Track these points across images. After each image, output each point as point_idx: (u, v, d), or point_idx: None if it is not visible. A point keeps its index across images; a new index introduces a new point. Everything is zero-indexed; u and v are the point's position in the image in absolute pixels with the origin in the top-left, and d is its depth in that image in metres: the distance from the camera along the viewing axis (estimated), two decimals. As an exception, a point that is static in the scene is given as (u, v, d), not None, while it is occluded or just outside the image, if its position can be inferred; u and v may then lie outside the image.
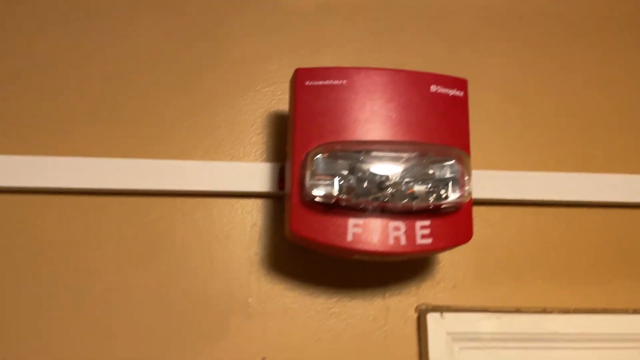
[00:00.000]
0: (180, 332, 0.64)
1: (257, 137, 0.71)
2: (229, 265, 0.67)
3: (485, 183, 0.71)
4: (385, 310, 0.68)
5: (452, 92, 0.61)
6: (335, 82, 0.59)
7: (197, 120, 0.71)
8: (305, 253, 0.68)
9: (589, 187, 0.72)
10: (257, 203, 0.69)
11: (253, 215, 0.68)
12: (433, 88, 0.60)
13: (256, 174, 0.67)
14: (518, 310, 0.68)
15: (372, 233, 0.55)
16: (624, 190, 0.73)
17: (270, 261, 0.67)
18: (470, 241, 0.70)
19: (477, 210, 0.72)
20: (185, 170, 0.67)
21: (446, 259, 0.70)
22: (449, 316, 0.66)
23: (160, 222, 0.67)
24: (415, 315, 0.68)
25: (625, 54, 0.81)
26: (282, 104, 0.73)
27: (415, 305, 0.68)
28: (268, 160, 0.70)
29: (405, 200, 0.56)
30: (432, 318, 0.65)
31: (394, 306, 0.68)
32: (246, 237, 0.68)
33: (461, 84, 0.62)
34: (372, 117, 0.58)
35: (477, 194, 0.70)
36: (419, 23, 0.78)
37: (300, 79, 0.59)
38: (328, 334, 0.66)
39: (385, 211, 0.56)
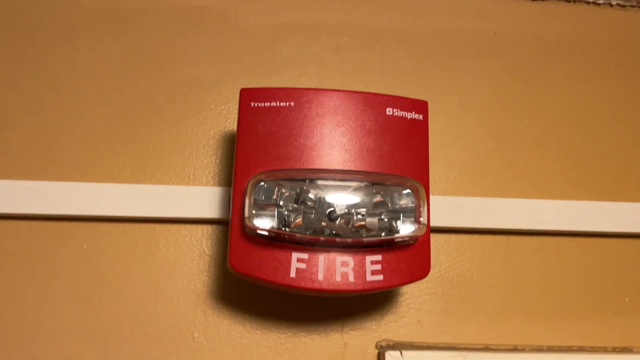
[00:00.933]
0: (119, 370, 0.59)
1: (208, 159, 0.67)
2: (174, 298, 0.62)
3: (454, 210, 0.66)
4: (343, 347, 0.63)
5: (410, 115, 0.56)
6: (282, 103, 0.54)
7: (145, 141, 0.66)
8: (258, 286, 0.63)
9: (566, 215, 0.68)
10: (207, 230, 0.64)
11: (202, 243, 0.64)
12: (389, 111, 0.55)
13: (206, 199, 0.63)
14: (487, 348, 0.63)
15: (318, 269, 0.51)
16: (602, 219, 0.68)
17: (220, 293, 0.63)
18: (436, 272, 0.66)
19: (445, 239, 0.67)
20: (127, 194, 0.62)
21: (410, 292, 0.65)
22: (409, 355, 0.61)
23: (100, 250, 0.63)
24: (375, 352, 0.63)
25: (602, 76, 0.76)
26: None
27: (376, 341, 0.63)
28: (220, 184, 0.66)
29: (355, 234, 0.52)
30: (390, 357, 0.60)
31: (353, 342, 0.63)
32: (194, 266, 0.63)
33: (421, 106, 0.57)
34: (321, 143, 0.54)
35: (446, 221, 0.65)
36: (386, 40, 0.74)
37: (245, 99, 0.55)
38: (280, 372, 0.61)
39: (332, 245, 0.52)
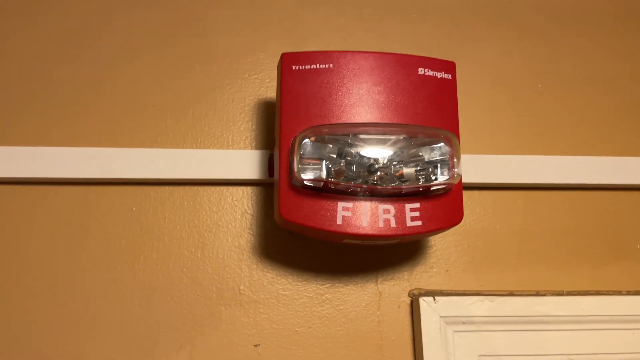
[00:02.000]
0: (171, 322, 0.64)
1: (245, 125, 0.71)
2: (220, 254, 0.66)
3: (475, 167, 0.70)
4: (378, 296, 0.67)
5: (440, 74, 0.60)
6: (322, 66, 0.58)
7: (186, 109, 0.70)
8: (297, 239, 0.67)
9: (579, 170, 0.72)
10: (247, 191, 0.68)
11: (243, 202, 0.68)
12: (421, 71, 0.59)
13: (245, 162, 0.67)
14: (511, 293, 0.68)
15: (362, 216, 0.55)
16: (614, 173, 0.73)
17: (262, 248, 0.67)
18: (461, 225, 0.70)
19: (468, 195, 0.72)
20: (173, 159, 0.66)
21: (438, 244, 0.70)
22: (442, 300, 0.65)
23: (149, 212, 0.67)
24: (408, 300, 0.68)
25: (608, 39, 0.80)
26: (270, 92, 0.72)
27: (408, 290, 0.68)
28: (257, 147, 0.70)
29: (395, 183, 0.56)
30: (424, 302, 0.65)
31: (387, 291, 0.68)
32: (236, 224, 0.67)
33: (449, 66, 0.61)
34: (359, 101, 0.58)
35: (468, 178, 0.70)
36: (405, 9, 0.78)
37: (286, 63, 0.58)
38: (321, 320, 0.66)
39: (374, 194, 0.56)
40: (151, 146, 0.68)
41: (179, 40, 0.73)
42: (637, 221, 0.74)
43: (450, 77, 0.61)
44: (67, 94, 0.69)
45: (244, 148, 0.70)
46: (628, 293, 0.70)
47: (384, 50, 0.75)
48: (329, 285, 0.67)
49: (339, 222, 0.55)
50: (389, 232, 0.55)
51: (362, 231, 0.55)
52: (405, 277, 0.68)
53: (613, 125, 0.76)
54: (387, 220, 0.55)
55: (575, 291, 0.69)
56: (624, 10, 0.82)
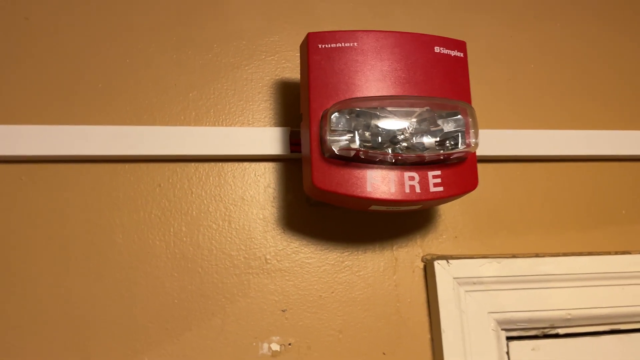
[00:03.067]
0: (202, 290, 0.67)
1: (264, 104, 0.74)
2: (246, 226, 0.70)
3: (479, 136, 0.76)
4: (394, 261, 0.72)
5: (453, 52, 0.65)
6: (346, 44, 0.62)
7: (206, 88, 0.73)
8: (318, 211, 0.71)
9: (573, 142, 0.79)
10: (269, 166, 0.72)
11: (266, 177, 0.71)
12: (437, 49, 0.64)
13: (266, 138, 0.70)
14: (514, 256, 0.74)
15: (389, 183, 0.60)
16: (604, 144, 0.80)
17: (285, 220, 0.71)
18: (468, 195, 0.76)
19: (480, 167, 0.77)
20: (198, 136, 0.69)
21: (447, 212, 0.75)
22: (454, 263, 0.71)
23: (176, 187, 0.69)
24: (421, 265, 0.73)
25: (592, 24, 0.87)
26: (287, 72, 0.76)
27: (422, 256, 0.73)
28: (276, 125, 0.73)
29: (418, 152, 0.61)
30: (439, 265, 0.70)
31: (402, 257, 0.72)
32: (260, 198, 0.71)
33: (461, 45, 0.66)
34: (383, 77, 0.62)
35: (481, 150, 0.75)
36: (411, -7, 0.82)
37: (313, 42, 0.62)
38: (342, 285, 0.70)
39: (399, 163, 0.60)
40: (174, 124, 0.71)
41: (197, 22, 0.75)
42: (623, 189, 0.81)
43: (462, 55, 0.66)
44: (92, 74, 0.71)
45: (264, 126, 0.73)
46: (616, 253, 0.77)
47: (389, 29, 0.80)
48: (349, 253, 0.71)
49: (369, 189, 0.59)
50: (414, 197, 0.60)
51: (390, 197, 0.59)
52: (418, 244, 0.73)
53: (604, 99, 0.83)
54: (412, 187, 0.60)
55: (569, 252, 0.76)
56: (605, -4, 0.89)
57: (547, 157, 0.79)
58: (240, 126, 0.72)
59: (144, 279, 0.66)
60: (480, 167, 0.78)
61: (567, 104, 0.82)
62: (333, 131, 0.59)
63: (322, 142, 0.59)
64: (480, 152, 0.76)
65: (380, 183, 0.59)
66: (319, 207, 0.71)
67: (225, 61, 0.74)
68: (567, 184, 0.80)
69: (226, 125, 0.72)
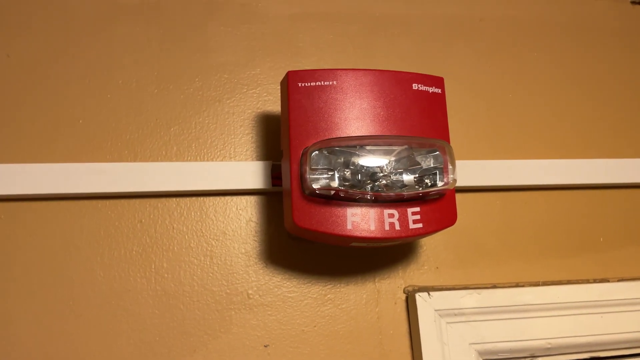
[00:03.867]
0: (184, 327, 0.66)
1: (246, 137, 0.74)
2: (228, 261, 0.70)
3: (458, 172, 0.77)
4: (376, 294, 0.73)
5: (431, 89, 0.66)
6: (326, 82, 0.63)
7: (188, 122, 0.73)
8: (300, 244, 0.72)
9: (550, 171, 0.80)
10: (251, 200, 0.72)
11: (248, 211, 0.72)
12: (415, 86, 0.65)
13: (248, 172, 0.71)
14: (494, 286, 0.75)
15: (369, 221, 0.60)
16: (582, 173, 0.81)
17: (267, 254, 0.71)
18: (453, 226, 0.76)
19: (460, 197, 0.78)
20: (179, 172, 0.69)
21: (428, 244, 0.76)
22: (435, 295, 0.71)
23: (157, 223, 0.69)
24: (403, 297, 0.73)
25: (569, 54, 0.89)
26: (269, 105, 0.76)
27: (403, 287, 0.73)
28: (258, 158, 0.74)
29: (397, 190, 0.61)
30: (420, 297, 0.71)
31: (384, 289, 0.73)
32: (242, 232, 0.71)
33: (439, 82, 0.67)
34: (362, 115, 0.63)
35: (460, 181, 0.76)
36: (388, 27, 0.83)
37: (293, 80, 0.63)
38: (325, 319, 0.70)
39: (379, 200, 0.61)
40: (156, 159, 0.71)
41: (179, 56, 0.75)
42: (599, 216, 0.82)
43: (440, 91, 0.67)
44: (73, 111, 0.71)
45: (246, 159, 0.73)
46: (595, 281, 0.78)
47: (370, 64, 0.81)
48: (331, 286, 0.72)
49: (349, 227, 0.60)
50: (394, 235, 0.60)
51: (370, 234, 0.60)
52: (400, 276, 0.74)
53: (578, 129, 0.85)
54: (392, 224, 0.61)
55: (549, 281, 0.77)
56: (583, 28, 0.91)
57: (525, 187, 0.80)
58: (222, 160, 0.73)
59: (125, 316, 0.66)
60: (460, 197, 0.79)
61: (545, 133, 0.84)
62: (313, 170, 0.59)
63: (303, 180, 0.60)
64: (460, 182, 0.77)
65: (360, 221, 0.60)
66: (301, 241, 0.72)
67: (207, 95, 0.75)
68: (545, 212, 0.81)
69: (208, 160, 0.72)
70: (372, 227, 0.60)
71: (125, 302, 0.66)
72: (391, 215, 0.61)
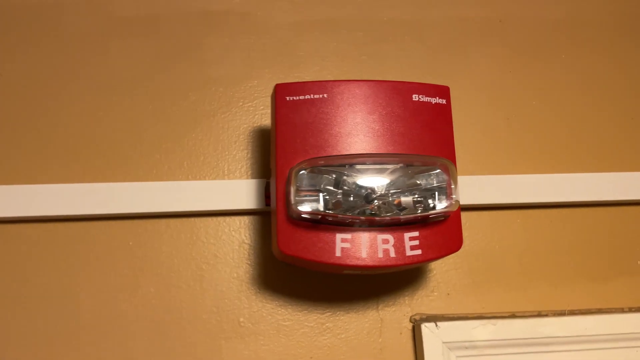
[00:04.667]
0: (171, 356, 0.63)
1: (241, 154, 0.70)
2: (219, 286, 0.66)
3: (473, 189, 0.70)
4: (379, 322, 0.67)
5: (434, 100, 0.60)
6: (316, 96, 0.58)
7: (180, 139, 0.70)
8: (296, 269, 0.67)
9: (577, 187, 0.72)
10: (245, 220, 0.68)
11: (241, 233, 0.68)
12: (415, 97, 0.59)
13: (242, 191, 0.67)
14: (513, 316, 0.68)
15: (361, 247, 0.55)
16: (612, 188, 0.73)
17: (261, 279, 0.66)
18: (461, 248, 0.70)
19: (466, 216, 0.71)
20: (169, 192, 0.66)
21: (438, 267, 0.70)
22: (443, 325, 0.65)
23: (146, 245, 0.66)
24: (410, 326, 0.67)
25: (602, 55, 0.80)
26: (266, 119, 0.72)
27: (410, 315, 0.67)
28: (254, 176, 0.69)
29: (393, 212, 0.56)
30: (426, 328, 0.64)
31: (388, 317, 0.67)
32: (235, 255, 0.67)
33: (443, 91, 0.61)
34: (355, 130, 0.57)
35: (466, 200, 0.69)
36: (400, 33, 0.78)
37: (280, 94, 0.58)
38: (323, 350, 0.65)
39: (373, 224, 0.55)
40: (147, 179, 0.68)
41: (173, 70, 0.72)
42: (635, 236, 0.73)
43: (444, 101, 0.61)
44: (62, 130, 0.69)
45: (240, 177, 0.69)
46: (630, 310, 0.70)
47: (379, 74, 0.76)
48: (330, 313, 0.66)
49: (338, 254, 0.54)
50: (388, 263, 0.55)
51: (361, 263, 0.54)
52: (406, 302, 0.68)
53: (609, 140, 0.76)
54: (386, 251, 0.55)
55: (577, 310, 0.69)
56: (614, 25, 0.82)
57: (548, 204, 0.72)
58: (214, 178, 0.69)
59: (110, 343, 0.63)
60: (475, 215, 0.72)
61: (568, 145, 0.76)
62: (299, 192, 0.55)
63: (288, 202, 0.55)
64: (475, 200, 0.70)
65: (351, 247, 0.55)
66: (296, 265, 0.67)
67: (201, 109, 0.71)
68: (572, 232, 0.73)
69: (200, 178, 0.69)
70: (364, 255, 0.55)
71: (111, 328, 0.63)
72: (386, 241, 0.55)
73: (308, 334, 0.65)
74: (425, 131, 0.59)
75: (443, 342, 0.64)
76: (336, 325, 0.66)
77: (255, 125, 0.72)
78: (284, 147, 0.57)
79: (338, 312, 0.67)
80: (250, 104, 0.72)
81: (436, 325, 0.65)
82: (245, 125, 0.71)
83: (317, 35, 0.76)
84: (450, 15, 0.79)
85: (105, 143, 0.69)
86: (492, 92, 0.77)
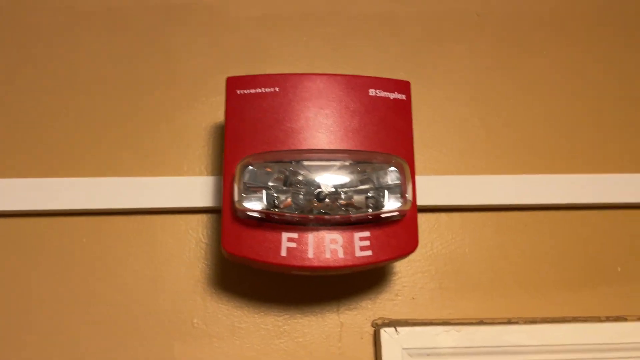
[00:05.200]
0: (122, 355, 0.61)
1: (201, 150, 0.68)
2: (174, 285, 0.64)
3: (444, 189, 0.67)
4: (339, 326, 0.64)
5: (393, 95, 0.58)
6: (267, 89, 0.56)
7: (140, 135, 0.68)
8: (253, 269, 0.65)
9: (554, 189, 0.69)
10: (202, 218, 0.66)
11: (198, 231, 0.66)
12: (372, 92, 0.57)
13: (200, 189, 0.65)
14: (480, 322, 0.64)
15: (308, 247, 0.52)
16: (593, 191, 0.69)
17: (217, 279, 0.64)
18: (429, 250, 0.67)
19: (436, 217, 0.68)
20: (125, 188, 0.64)
21: (404, 270, 0.67)
22: (404, 331, 0.62)
23: (100, 243, 0.64)
24: (371, 330, 0.64)
25: (585, 51, 0.77)
26: (228, 115, 0.70)
27: (372, 320, 0.65)
28: (214, 173, 0.67)
29: (343, 211, 0.53)
30: (386, 333, 0.62)
31: (349, 321, 0.64)
32: (191, 254, 0.65)
33: (403, 86, 0.58)
34: (307, 125, 0.55)
35: (436, 200, 0.67)
36: (372, 27, 0.75)
37: (231, 87, 0.56)
38: (279, 354, 0.63)
39: (321, 223, 0.53)
40: (105, 175, 0.66)
41: (137, 63, 0.71)
42: (617, 242, 0.70)
43: (404, 97, 0.58)
44: (19, 126, 0.68)
45: (200, 174, 0.67)
46: (607, 319, 0.66)
47: (352, 69, 0.73)
48: (288, 316, 0.64)
49: (284, 254, 0.52)
50: (336, 264, 0.52)
51: (307, 263, 0.52)
52: (369, 306, 0.65)
53: (589, 141, 0.73)
54: (334, 251, 0.52)
55: (550, 318, 0.66)
56: (599, 19, 0.78)
57: (524, 206, 0.69)
58: (174, 175, 0.67)
59: (60, 341, 0.61)
60: (445, 217, 0.69)
61: (550, 144, 0.72)
62: (244, 188, 0.52)
63: (232, 200, 0.53)
64: (446, 201, 0.67)
65: (297, 247, 0.52)
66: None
67: (164, 106, 0.70)
68: (548, 236, 0.69)
69: (159, 175, 0.67)
70: (310, 255, 0.52)
71: (62, 328, 0.61)
72: (334, 241, 0.53)
73: (264, 337, 0.63)
74: (382, 128, 0.56)
75: (403, 349, 0.61)
76: (294, 329, 0.64)
77: (218, 121, 0.70)
78: (232, 143, 0.55)
79: (296, 315, 0.64)
80: (214, 98, 0.71)
81: (396, 331, 0.62)
82: (208, 121, 0.70)
83: (286, 29, 0.74)
84: (424, 9, 0.76)
85: (63, 138, 0.67)
86: (467, 88, 0.74)
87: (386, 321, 0.64)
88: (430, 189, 0.66)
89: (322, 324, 0.64)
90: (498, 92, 0.74)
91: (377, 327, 0.64)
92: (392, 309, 0.65)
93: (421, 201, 0.65)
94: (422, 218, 0.68)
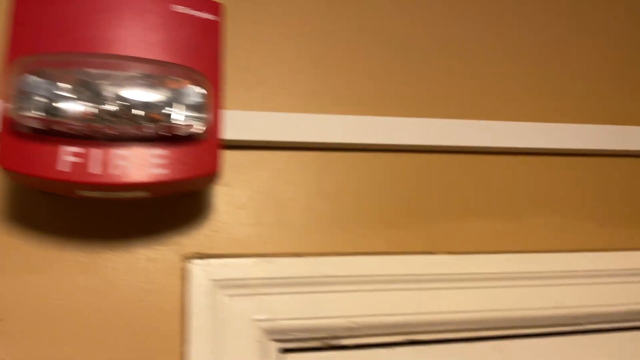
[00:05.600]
0: None
1: (-2, 72, 0.62)
2: (-45, 217, 0.57)
3: (271, 126, 0.67)
4: (148, 262, 0.61)
5: (201, 14, 0.56)
6: (59, -6, 0.51)
7: None
8: (54, 198, 0.59)
9: (376, 130, 0.71)
10: (-5, 145, 0.60)
11: (-11, 159, 0.59)
12: (175, 7, 0.54)
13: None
14: (296, 255, 0.65)
15: (92, 162, 0.49)
16: (409, 133, 0.72)
17: (10, 208, 0.58)
18: (250, 187, 0.66)
19: (259, 155, 0.68)
20: None
21: (223, 205, 0.65)
22: (215, 263, 0.61)
23: None
24: (182, 265, 0.62)
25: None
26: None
27: (182, 254, 0.62)
28: None
29: (134, 125, 0.50)
30: (195, 266, 0.60)
31: (159, 256, 0.62)
32: (-21, 184, 0.58)
33: (214, 7, 0.57)
34: (99, 35, 0.51)
35: (261, 136, 0.66)
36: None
37: (18, -10, 0.51)
38: (81, 291, 0.58)
39: (110, 138, 0.50)
40: None
41: None
42: (433, 184, 0.73)
43: (214, 17, 0.56)
44: None
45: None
46: (418, 253, 0.69)
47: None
48: (91, 250, 0.60)
49: (63, 168, 0.48)
50: (126, 181, 0.49)
51: (91, 179, 0.48)
52: (181, 241, 0.63)
53: (413, 86, 0.76)
54: (124, 167, 0.49)
55: (360, 252, 0.68)
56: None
57: (345, 145, 0.70)
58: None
59: None
60: (269, 154, 0.68)
61: (371, 86, 0.74)
62: (20, 96, 0.47)
63: (7, 110, 0.48)
64: (270, 137, 0.67)
65: (80, 162, 0.49)
66: (54, 194, 0.60)
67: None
68: (367, 176, 0.71)
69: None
70: (96, 170, 0.49)
71: None
72: (124, 157, 0.50)
73: (64, 273, 0.58)
74: (186, 46, 0.54)
75: (212, 280, 0.60)
76: (98, 265, 0.60)
77: None
78: (14, 48, 0.50)
79: (101, 250, 0.60)
80: None
81: (208, 262, 0.60)
82: None
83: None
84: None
85: None
86: (299, 27, 0.74)
87: (197, 255, 0.62)
88: (255, 125, 0.65)
89: (130, 259, 0.61)
90: (329, 32, 0.74)
91: (187, 261, 0.61)
92: (209, 245, 0.64)
93: (244, 136, 0.63)
94: (244, 155, 0.67)
